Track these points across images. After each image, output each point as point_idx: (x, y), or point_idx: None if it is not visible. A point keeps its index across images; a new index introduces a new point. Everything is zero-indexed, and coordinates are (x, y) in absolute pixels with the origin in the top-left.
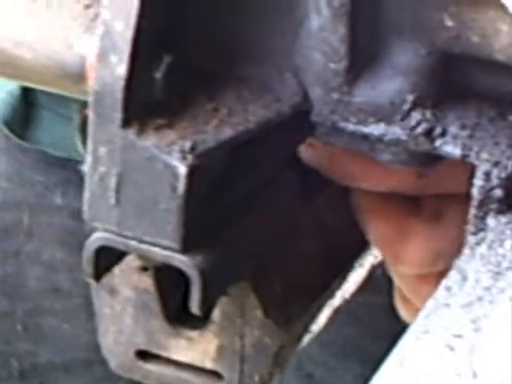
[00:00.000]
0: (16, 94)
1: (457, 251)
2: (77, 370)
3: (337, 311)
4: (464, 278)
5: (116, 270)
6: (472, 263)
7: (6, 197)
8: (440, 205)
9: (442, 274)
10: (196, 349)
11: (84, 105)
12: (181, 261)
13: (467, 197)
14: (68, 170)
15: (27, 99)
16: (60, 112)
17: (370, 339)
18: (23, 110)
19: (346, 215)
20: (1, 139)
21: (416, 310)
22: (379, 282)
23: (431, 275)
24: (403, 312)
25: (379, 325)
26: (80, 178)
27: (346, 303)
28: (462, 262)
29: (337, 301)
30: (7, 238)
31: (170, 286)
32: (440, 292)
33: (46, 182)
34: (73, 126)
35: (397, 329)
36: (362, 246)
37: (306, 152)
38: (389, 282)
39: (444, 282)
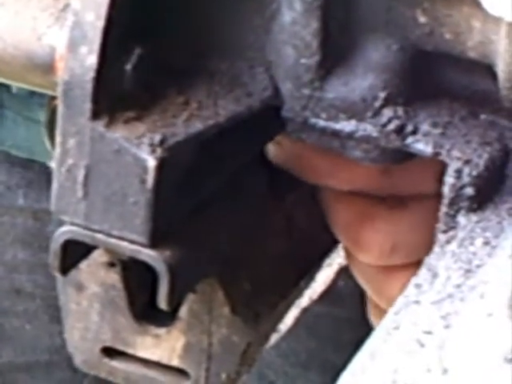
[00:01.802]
0: None
1: (417, 246)
2: (39, 372)
3: (304, 311)
4: (434, 276)
5: (83, 265)
6: (442, 261)
7: None
8: (404, 196)
9: (402, 270)
10: (163, 346)
11: (53, 98)
12: (149, 255)
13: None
14: (30, 171)
15: None
16: (23, 113)
17: (331, 350)
18: None
19: (316, 214)
20: None
21: (384, 315)
22: (340, 294)
23: (391, 270)
24: (376, 322)
25: (340, 336)
26: (42, 180)
27: (307, 315)
28: (432, 259)
29: (305, 301)
30: None
31: (137, 282)
32: (410, 289)
33: (8, 183)
34: (36, 126)
35: (357, 339)
36: (331, 246)
37: (273, 150)
38: (350, 294)
39: (414, 280)
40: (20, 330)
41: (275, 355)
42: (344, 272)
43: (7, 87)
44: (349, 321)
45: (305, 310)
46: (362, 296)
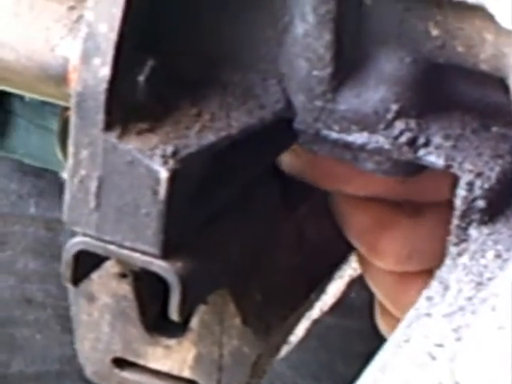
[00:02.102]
0: None
1: (433, 253)
2: (49, 382)
3: (315, 323)
4: (446, 288)
5: (94, 276)
6: (454, 273)
7: None
8: (421, 203)
9: (417, 277)
10: (173, 357)
11: (66, 109)
12: (160, 267)
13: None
14: (42, 180)
15: (3, 108)
16: (36, 121)
17: (341, 362)
18: None
19: (327, 226)
20: None
21: (397, 323)
22: (351, 305)
23: (407, 277)
24: (384, 327)
25: (351, 348)
26: (54, 189)
27: (318, 327)
28: (443, 272)
29: (315, 312)
30: None
31: (148, 293)
32: (421, 302)
33: (20, 192)
34: (48, 135)
35: (368, 351)
36: (342, 258)
37: (287, 158)
38: (361, 305)
39: (425, 292)
40: (31, 340)
41: (286, 367)
42: (355, 283)
43: (20, 95)
44: (359, 332)
45: (315, 322)
46: (372, 307)
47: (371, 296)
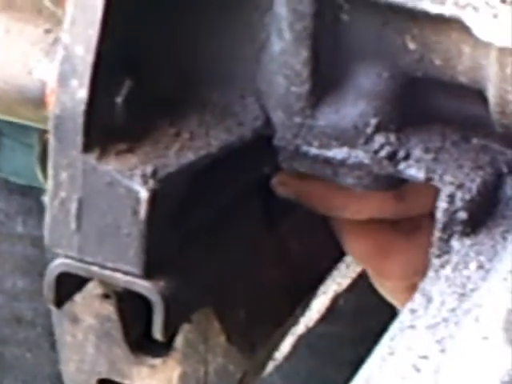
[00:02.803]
0: None
1: None
2: None
3: (300, 339)
4: (429, 300)
5: (78, 297)
6: (437, 285)
7: None
8: (417, 217)
9: None
10: (159, 377)
11: (45, 131)
12: (143, 286)
13: None
14: (29, 198)
15: None
16: (21, 140)
17: (331, 369)
18: None
19: (310, 241)
20: None
21: None
22: (340, 312)
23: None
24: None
25: (341, 355)
26: (41, 206)
27: (307, 335)
28: (426, 284)
29: (300, 328)
30: None
31: (132, 313)
32: (405, 314)
33: (7, 210)
34: (34, 154)
35: (358, 358)
36: (326, 273)
37: (281, 190)
38: (350, 312)
39: (408, 305)
40: (21, 359)
41: (276, 376)
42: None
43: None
44: (349, 339)
45: (300, 337)
46: (362, 314)
47: (360, 302)
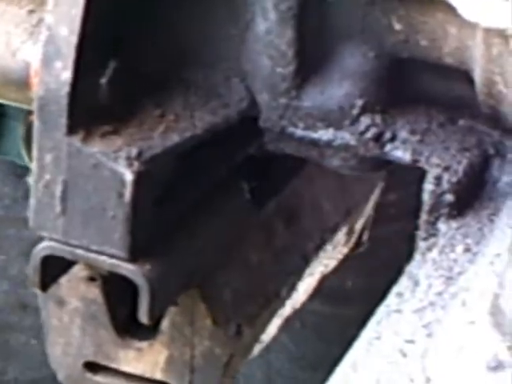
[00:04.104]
0: None
1: None
2: None
3: (287, 321)
4: (416, 284)
5: (63, 280)
6: (423, 268)
7: None
8: None
9: None
10: (145, 360)
11: (30, 112)
12: (128, 269)
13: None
14: None
15: None
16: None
17: (339, 351)
18: None
19: (296, 223)
20: None
21: None
22: (347, 294)
23: None
24: None
25: (349, 337)
26: None
27: (315, 318)
28: (412, 267)
29: (287, 310)
30: None
31: (118, 296)
32: (391, 298)
33: (14, 195)
34: None
35: None
36: (312, 255)
37: None
38: (357, 294)
39: (395, 289)
40: (26, 346)
41: (284, 360)
42: (352, 272)
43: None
44: (357, 321)
45: (287, 320)
46: (370, 296)
47: (368, 285)
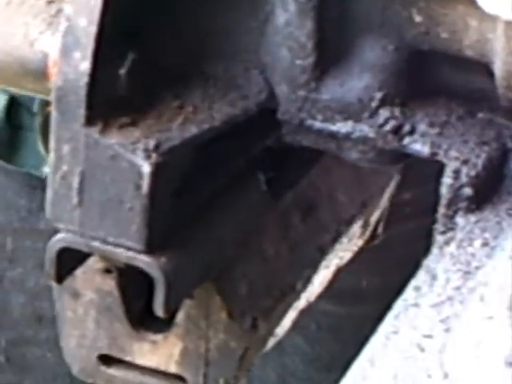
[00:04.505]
0: (0, 116)
1: None
2: None
3: (302, 313)
4: (433, 278)
5: (79, 272)
6: (441, 263)
7: None
8: None
9: None
10: (160, 352)
11: (47, 103)
12: (145, 262)
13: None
14: None
15: (11, 123)
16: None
17: (354, 351)
18: (8, 133)
19: (312, 215)
20: None
21: None
22: (361, 294)
23: None
24: None
25: (363, 336)
26: None
27: (330, 318)
28: (430, 261)
29: (302, 303)
30: None
31: (133, 288)
32: (409, 292)
33: (30, 206)
34: None
35: None
36: (328, 247)
37: None
38: (372, 293)
39: (413, 282)
40: (42, 359)
41: (299, 361)
42: (367, 271)
43: (28, 108)
44: (373, 320)
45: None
46: (386, 295)
47: (383, 284)
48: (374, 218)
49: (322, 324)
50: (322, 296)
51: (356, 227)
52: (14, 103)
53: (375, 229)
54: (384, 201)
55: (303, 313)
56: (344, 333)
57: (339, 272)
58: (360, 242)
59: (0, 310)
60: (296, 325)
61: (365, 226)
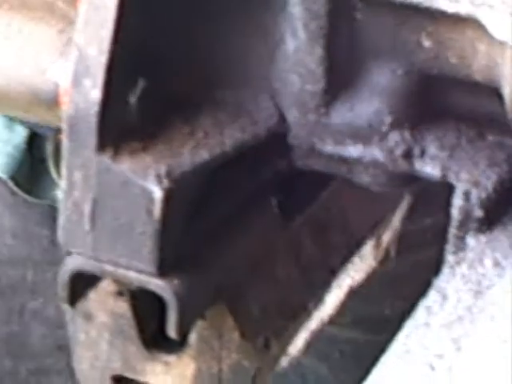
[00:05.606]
0: (22, 148)
1: None
2: None
3: (314, 334)
4: (444, 298)
5: (92, 294)
6: (452, 282)
7: (12, 253)
8: None
9: None
10: (173, 373)
11: (58, 130)
12: (157, 285)
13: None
14: None
15: (33, 154)
16: None
17: None
18: (29, 165)
19: (324, 236)
20: (7, 195)
21: None
22: (386, 321)
23: None
24: None
25: None
26: None
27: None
28: (441, 281)
29: (314, 323)
30: (12, 294)
31: (146, 310)
32: (420, 312)
33: (52, 237)
34: None
35: None
36: (339, 268)
37: None
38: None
39: (423, 302)
40: None
41: None
42: (390, 298)
43: (48, 140)
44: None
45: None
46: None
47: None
48: (386, 239)
49: (345, 352)
50: (336, 320)
51: (368, 247)
52: (35, 136)
53: (388, 249)
54: (396, 221)
55: (317, 334)
56: (368, 360)
57: (352, 292)
58: (373, 263)
59: (20, 341)
60: (310, 347)
61: (377, 246)
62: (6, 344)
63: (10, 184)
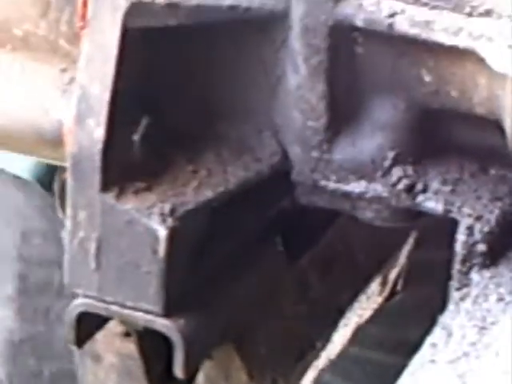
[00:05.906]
0: None
1: None
2: None
3: (322, 371)
4: (449, 334)
5: (99, 335)
6: (457, 319)
7: (40, 254)
8: None
9: None
10: None
11: (63, 169)
12: (163, 325)
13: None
14: None
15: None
16: None
17: None
18: (56, 168)
19: (330, 274)
20: (36, 197)
21: None
22: (404, 343)
23: None
24: None
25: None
26: None
27: (363, 364)
28: (446, 317)
29: (322, 361)
30: (39, 295)
31: (153, 350)
32: (425, 349)
33: None
34: None
35: None
36: (347, 305)
37: None
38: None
39: (429, 339)
40: None
41: None
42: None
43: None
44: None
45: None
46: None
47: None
48: (392, 275)
49: (368, 372)
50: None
51: (374, 285)
52: None
53: (394, 286)
54: (402, 258)
55: (323, 371)
56: (378, 379)
57: (359, 330)
58: (379, 300)
59: (45, 342)
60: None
61: (383, 283)
62: (31, 344)
63: (39, 186)
